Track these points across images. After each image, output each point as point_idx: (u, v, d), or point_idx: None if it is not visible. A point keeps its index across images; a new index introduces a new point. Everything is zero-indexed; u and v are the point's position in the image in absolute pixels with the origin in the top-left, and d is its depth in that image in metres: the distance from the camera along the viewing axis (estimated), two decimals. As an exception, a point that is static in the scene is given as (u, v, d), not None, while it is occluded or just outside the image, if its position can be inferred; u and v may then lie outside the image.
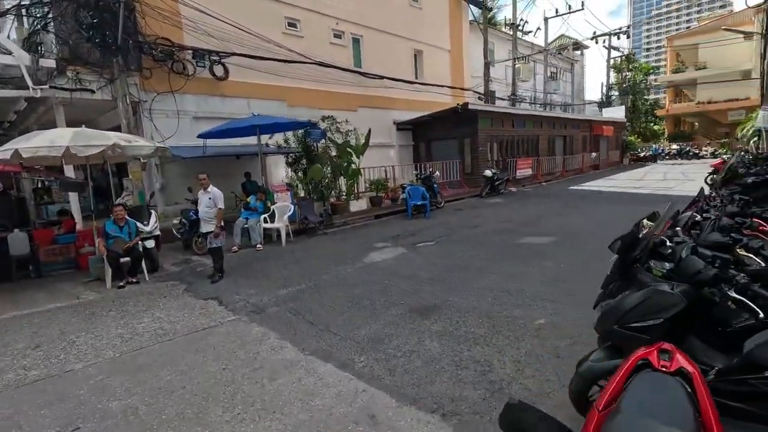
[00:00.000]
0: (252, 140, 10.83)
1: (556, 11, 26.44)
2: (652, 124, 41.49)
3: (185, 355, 4.04)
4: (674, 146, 34.70)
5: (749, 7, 16.64)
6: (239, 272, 7.01)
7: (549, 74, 30.44)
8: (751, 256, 2.41)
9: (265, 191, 9.75)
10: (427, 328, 4.30)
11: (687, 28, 67.37)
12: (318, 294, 5.63)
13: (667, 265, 2.32)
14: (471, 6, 21.30)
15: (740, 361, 2.04)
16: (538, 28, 26.73)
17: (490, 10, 24.19)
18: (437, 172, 14.48)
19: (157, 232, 7.78)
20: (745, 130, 15.96)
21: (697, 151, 32.49)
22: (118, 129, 9.07)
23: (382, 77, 15.92)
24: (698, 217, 2.93)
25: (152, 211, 8.08)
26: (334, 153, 12.31)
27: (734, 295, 1.99)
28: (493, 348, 3.80)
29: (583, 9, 24.82)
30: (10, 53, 8.30)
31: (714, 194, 4.54)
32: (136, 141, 7.36)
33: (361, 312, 4.88)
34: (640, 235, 2.54)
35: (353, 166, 12.80)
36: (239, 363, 3.82)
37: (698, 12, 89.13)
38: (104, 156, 7.34)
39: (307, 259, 7.71)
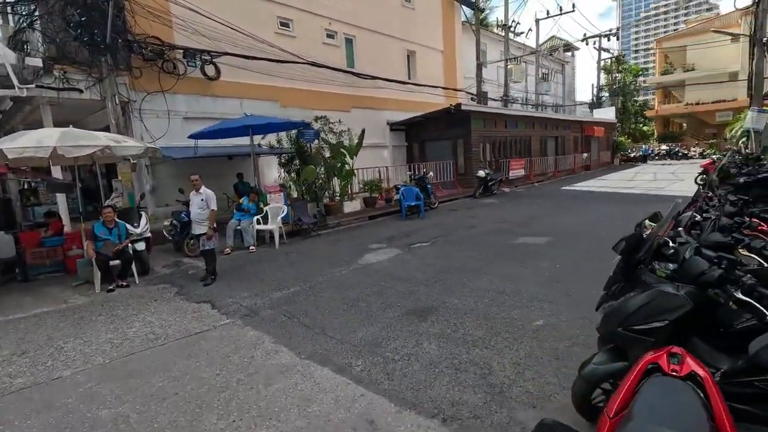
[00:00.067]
0: (244, 141, 10.70)
1: (548, 13, 26.58)
2: (641, 125, 41.96)
3: (178, 361, 3.94)
4: (663, 147, 35.13)
5: (738, 10, 16.89)
6: (232, 275, 6.90)
7: (540, 75, 30.64)
8: (754, 256, 2.39)
9: (257, 192, 9.64)
10: (424, 331, 4.25)
11: (674, 30, 68.35)
12: (313, 296, 5.55)
13: (671, 266, 2.29)
14: (463, 7, 21.34)
15: (745, 363, 2.01)
16: (530, 30, 26.90)
17: (483, 10, 24.27)
18: (431, 173, 14.46)
19: (148, 234, 7.63)
20: (733, 131, 16.18)
21: (686, 152, 32.92)
22: (107, 129, 8.89)
23: (375, 78, 15.87)
24: (698, 217, 2.91)
25: (142, 213, 7.93)
26: (327, 154, 12.22)
27: (741, 296, 1.96)
28: (492, 350, 3.76)
29: (574, 11, 25.02)
30: (-6, 51, 8.09)
31: (711, 194, 4.55)
32: (125, 141, 7.21)
33: (358, 314, 4.81)
34: (645, 236, 2.51)
35: (347, 166, 12.72)
36: (233, 368, 3.73)
37: (685, 15, 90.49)
38: (93, 157, 7.18)
39: (301, 260, 7.62)
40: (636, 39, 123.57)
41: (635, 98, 41.71)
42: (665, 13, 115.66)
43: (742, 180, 6.14)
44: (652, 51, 72.97)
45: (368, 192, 13.88)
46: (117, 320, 5.12)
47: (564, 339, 3.88)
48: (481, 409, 2.93)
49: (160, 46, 10.42)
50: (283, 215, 9.38)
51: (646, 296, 2.18)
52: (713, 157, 16.43)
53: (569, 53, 37.30)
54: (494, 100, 24.31)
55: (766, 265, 2.47)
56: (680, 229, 2.49)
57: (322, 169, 11.80)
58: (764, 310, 1.90)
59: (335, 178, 12.49)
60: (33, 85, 8.61)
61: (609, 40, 32.11)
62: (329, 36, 15.07)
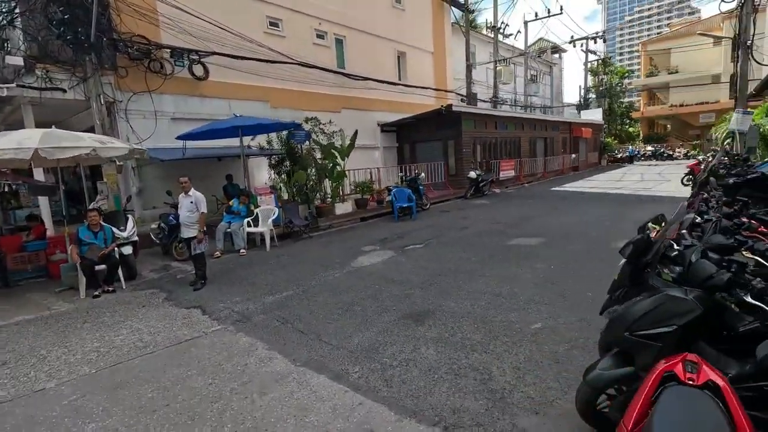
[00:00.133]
0: (233, 142, 10.52)
1: (536, 15, 26.84)
2: (627, 126, 42.62)
3: (168, 370, 3.80)
4: (649, 148, 35.71)
5: (722, 13, 17.23)
6: (223, 279, 6.75)
7: (529, 77, 30.91)
8: (758, 258, 2.37)
9: (248, 194, 9.48)
10: (422, 335, 4.18)
11: (658, 33, 69.60)
12: (306, 300, 5.45)
13: (677, 269, 2.25)
14: (453, 8, 21.40)
15: (754, 367, 1.98)
16: (518, 32, 27.09)
17: (472, 12, 24.36)
18: (423, 174, 14.43)
19: (135, 238, 7.43)
20: (718, 133, 16.49)
21: (671, 153, 33.51)
22: (91, 130, 8.66)
23: (365, 78, 15.80)
24: (698, 219, 2.90)
25: (129, 216, 7.72)
26: (318, 155, 12.10)
27: (751, 300, 1.93)
28: (491, 355, 3.71)
29: (561, 13, 25.28)
30: (-28, 49, 7.82)
31: (707, 195, 4.58)
32: (111, 143, 7.01)
33: (353, 319, 4.72)
34: (652, 239, 2.47)
35: (338, 168, 12.62)
36: (226, 377, 3.61)
37: (668, 18, 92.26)
38: (77, 158, 6.97)
39: (293, 264, 7.50)
40: (621, 42, 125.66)
41: (621, 100, 42.37)
42: (649, 16, 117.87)
43: (731, 181, 6.19)
44: (637, 53, 74.27)
45: (360, 193, 13.79)
46: (103, 328, 4.95)
47: (563, 342, 3.84)
48: (483, 416, 2.87)
49: (147, 45, 10.20)
50: (274, 217, 9.24)
51: (654, 301, 2.14)
52: (699, 158, 16.71)
53: (557, 55, 37.70)
54: (484, 101, 24.42)
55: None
56: (684, 231, 2.45)
57: (314, 170, 11.67)
58: (776, 315, 1.87)
59: (326, 179, 12.38)
60: (14, 85, 8.36)
61: (596, 42, 32.48)
62: (319, 36, 14.96)
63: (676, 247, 2.37)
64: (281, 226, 9.91)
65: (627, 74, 46.89)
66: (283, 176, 11.54)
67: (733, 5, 13.29)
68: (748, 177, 6.05)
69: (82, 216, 7.46)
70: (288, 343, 4.22)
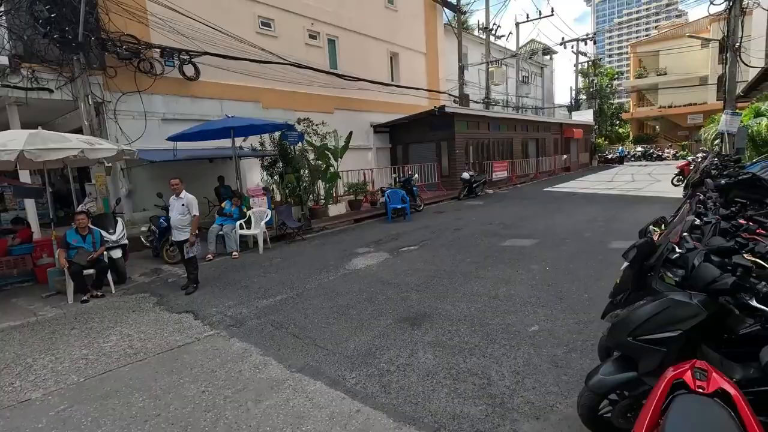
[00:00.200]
0: (225, 143, 10.39)
1: (527, 16, 27.02)
2: (617, 127, 43.06)
3: (159, 378, 3.70)
4: (639, 148, 36.11)
5: (709, 15, 17.47)
6: (215, 282, 6.64)
7: (521, 78, 31.07)
8: (759, 261, 2.36)
9: (240, 196, 9.36)
10: (419, 339, 4.13)
11: (646, 35, 70.49)
12: (301, 304, 5.36)
13: (680, 273, 2.23)
14: (445, 9, 21.42)
15: (759, 371, 1.96)
16: (510, 33, 27.22)
17: (465, 13, 24.43)
18: (416, 175, 14.40)
19: (125, 241, 7.28)
20: (707, 134, 16.70)
21: (660, 153, 33.92)
22: (79, 131, 8.49)
23: (358, 79, 15.73)
24: (697, 221, 2.88)
25: (118, 219, 7.56)
26: (311, 156, 12.01)
27: (756, 304, 1.90)
28: (489, 358, 3.66)
29: (552, 14, 25.45)
30: (-45, 48, 7.61)
31: (703, 197, 4.59)
32: (99, 144, 6.86)
33: (349, 323, 4.66)
34: (657, 243, 2.44)
35: (332, 169, 12.54)
36: (220, 384, 3.52)
37: (656, 21, 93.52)
38: (64, 160, 6.82)
39: (287, 266, 7.40)
40: (610, 43, 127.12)
41: (611, 101, 42.80)
42: (638, 18, 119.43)
43: (723, 182, 6.22)
44: (626, 55, 75.16)
45: (353, 195, 13.71)
46: (92, 334, 4.82)
47: (561, 345, 3.82)
48: (483, 423, 2.82)
49: (136, 44, 10.03)
50: (266, 219, 9.14)
51: (658, 305, 2.11)
52: (688, 158, 16.91)
53: (548, 57, 37.97)
54: (476, 102, 24.48)
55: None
56: (685, 234, 2.43)
57: (306, 171, 11.58)
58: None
59: (320, 180, 12.29)
60: (-2, 84, 8.15)
61: (586, 44, 32.78)
62: (312, 36, 14.86)
63: (678, 250, 2.34)
64: (274, 228, 9.81)
65: (617, 76, 47.38)
66: (275, 178, 11.42)
67: (721, 8, 13.46)
68: (739, 178, 6.07)
69: (69, 219, 7.29)
70: (283, 348, 4.14)
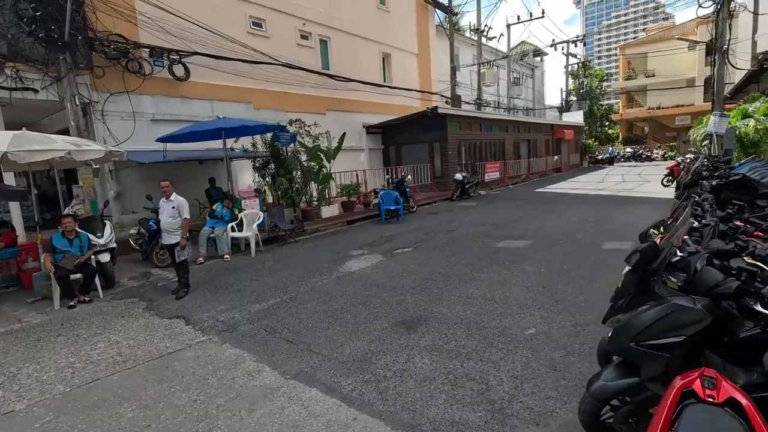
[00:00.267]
0: (216, 144, 10.23)
1: (518, 18, 27.17)
2: (607, 128, 43.53)
3: (149, 386, 3.60)
4: (628, 149, 36.52)
5: (697, 18, 17.72)
6: (206, 286, 6.52)
7: (512, 79, 31.24)
8: (759, 264, 2.34)
9: (232, 198, 9.23)
10: (415, 343, 4.07)
11: (635, 37, 71.42)
12: (295, 308, 5.28)
13: (682, 276, 2.20)
14: (437, 11, 21.45)
15: (762, 376, 1.94)
16: (501, 34, 27.35)
17: (456, 14, 24.50)
18: (409, 176, 14.37)
19: (113, 245, 7.12)
20: (695, 135, 16.92)
21: (649, 154, 34.34)
22: (65, 132, 8.30)
23: (350, 80, 15.66)
24: (695, 224, 2.87)
25: (106, 222, 7.39)
26: (304, 157, 11.90)
27: (761, 309, 1.88)
28: (487, 363, 3.62)
29: (544, 16, 25.65)
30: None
31: (698, 198, 4.60)
32: (87, 145, 6.70)
33: (343, 327, 4.59)
34: (660, 247, 2.42)
35: (324, 170, 12.44)
36: (212, 392, 3.43)
37: (644, 24, 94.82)
38: (50, 162, 6.65)
39: (279, 269, 7.30)
40: (599, 45, 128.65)
41: (601, 102, 43.26)
42: (626, 21, 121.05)
43: (714, 183, 6.28)
44: (615, 57, 76.06)
45: (346, 196, 13.63)
46: (79, 341, 4.69)
47: (559, 348, 3.79)
48: (482, 430, 2.77)
49: (125, 44, 9.85)
50: (259, 222, 9.02)
51: (661, 310, 2.08)
52: (678, 159, 17.11)
53: (539, 58, 38.26)
54: (468, 103, 24.56)
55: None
56: (686, 237, 2.41)
57: (299, 173, 11.47)
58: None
59: (312, 182, 12.19)
60: (-19, 84, 7.94)
61: (576, 46, 33.08)
62: (303, 37, 14.76)
63: (679, 253, 2.32)
64: (266, 230, 9.70)
65: (606, 77, 47.90)
66: (267, 179, 11.30)
67: (709, 11, 13.65)
68: (730, 179, 6.14)
69: (56, 222, 7.11)
70: (277, 354, 4.06)
